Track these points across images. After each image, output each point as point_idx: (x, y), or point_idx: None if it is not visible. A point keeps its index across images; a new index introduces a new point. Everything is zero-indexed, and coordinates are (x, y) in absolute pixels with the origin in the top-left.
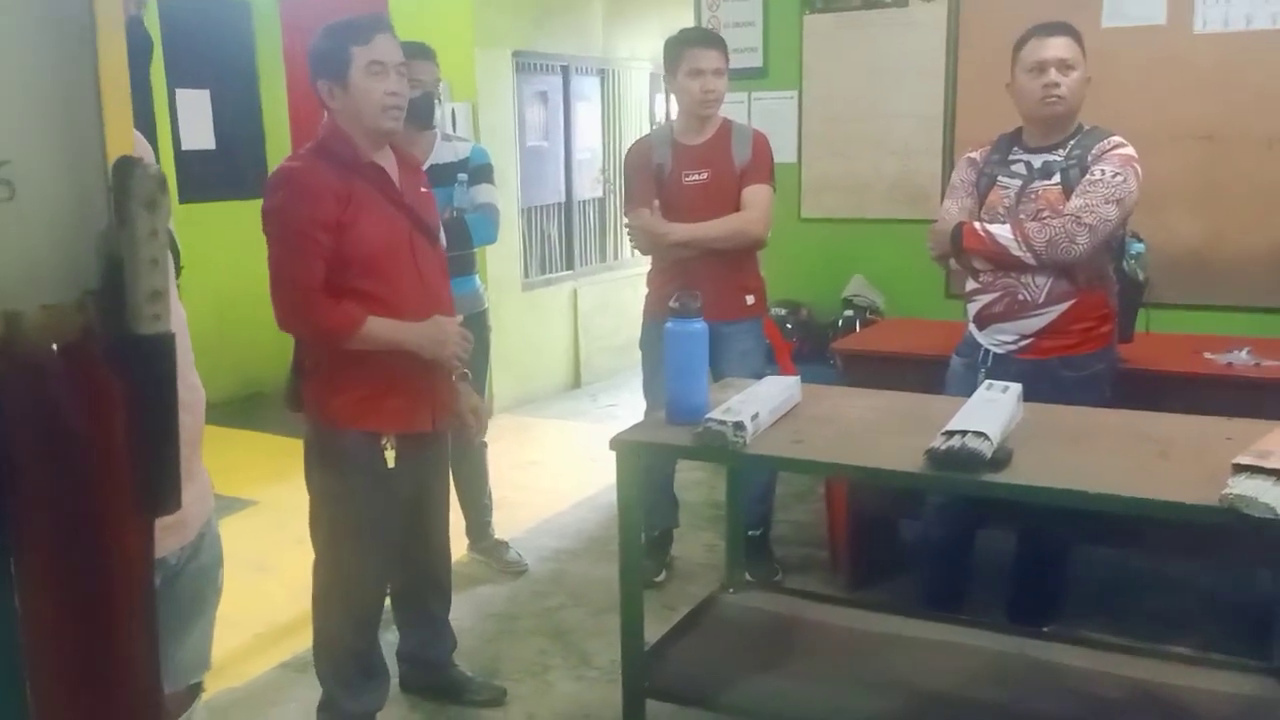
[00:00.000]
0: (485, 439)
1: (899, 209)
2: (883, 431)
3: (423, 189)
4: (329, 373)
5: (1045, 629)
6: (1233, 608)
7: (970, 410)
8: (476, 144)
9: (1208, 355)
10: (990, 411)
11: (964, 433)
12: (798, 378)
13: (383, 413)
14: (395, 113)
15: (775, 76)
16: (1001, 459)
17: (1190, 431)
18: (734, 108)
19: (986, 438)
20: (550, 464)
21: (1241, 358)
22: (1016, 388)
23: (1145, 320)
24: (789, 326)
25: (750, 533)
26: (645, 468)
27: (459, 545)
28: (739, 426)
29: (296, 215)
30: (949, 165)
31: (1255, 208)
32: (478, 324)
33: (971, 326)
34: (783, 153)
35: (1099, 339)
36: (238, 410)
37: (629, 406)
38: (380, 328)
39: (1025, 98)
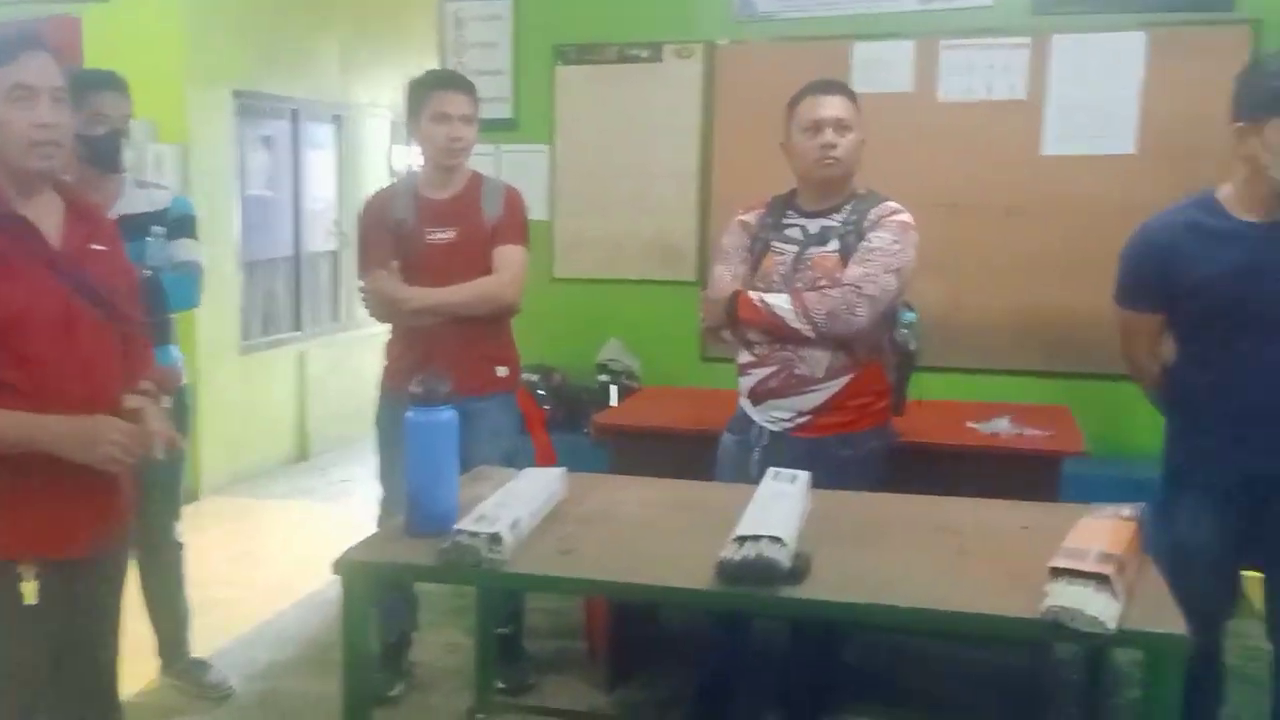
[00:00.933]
0: (181, 539)
1: (655, 269)
2: (662, 533)
3: (96, 245)
4: None
5: None
6: (1004, 684)
7: (760, 508)
8: (178, 193)
9: (971, 425)
10: (781, 509)
11: (757, 538)
12: (562, 470)
13: (13, 533)
14: (47, 150)
15: (526, 129)
16: (800, 569)
17: (983, 520)
18: (481, 160)
19: (782, 543)
20: (269, 554)
21: (1004, 426)
22: (804, 477)
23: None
24: (541, 393)
25: (499, 631)
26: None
27: (149, 667)
28: (495, 540)
29: None
30: (706, 225)
31: (994, 274)
32: (175, 402)
33: (745, 402)
34: (534, 209)
35: (876, 415)
36: None
37: (364, 482)
38: (6, 423)
39: (801, 158)
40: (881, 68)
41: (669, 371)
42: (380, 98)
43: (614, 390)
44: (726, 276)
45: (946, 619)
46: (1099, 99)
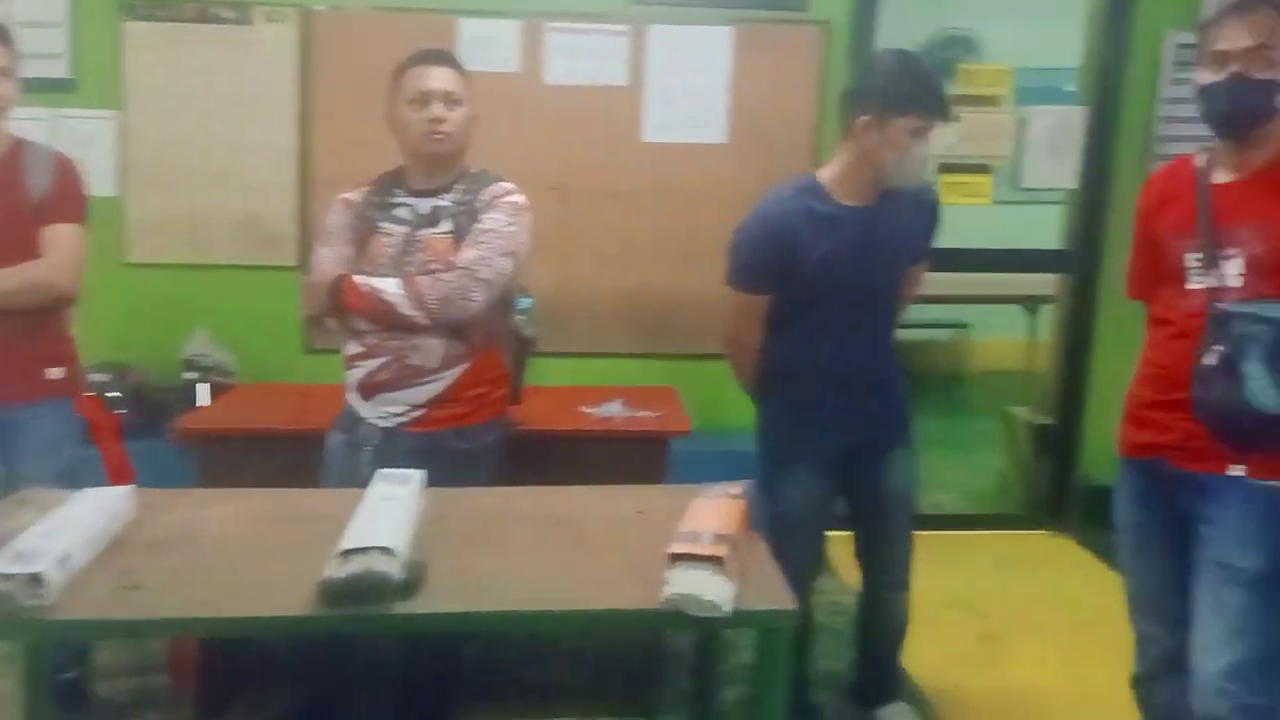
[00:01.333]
0: None
1: (249, 253)
2: (254, 553)
3: None
4: None
5: None
6: (614, 665)
7: (368, 516)
8: None
9: (585, 409)
10: (392, 515)
11: (364, 550)
12: (128, 488)
13: None
14: None
15: (88, 92)
16: (414, 580)
17: (600, 508)
18: (34, 128)
19: (392, 554)
20: None
21: (617, 410)
22: (417, 477)
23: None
24: (115, 395)
25: (62, 677)
26: None
27: None
28: (36, 581)
29: None
30: (307, 205)
31: (602, 258)
32: None
33: (352, 397)
34: (99, 184)
35: (494, 405)
36: None
37: None
38: None
39: (408, 132)
40: (488, 46)
41: (268, 366)
42: None
43: (202, 389)
44: (329, 259)
45: (567, 619)
46: (693, 89)
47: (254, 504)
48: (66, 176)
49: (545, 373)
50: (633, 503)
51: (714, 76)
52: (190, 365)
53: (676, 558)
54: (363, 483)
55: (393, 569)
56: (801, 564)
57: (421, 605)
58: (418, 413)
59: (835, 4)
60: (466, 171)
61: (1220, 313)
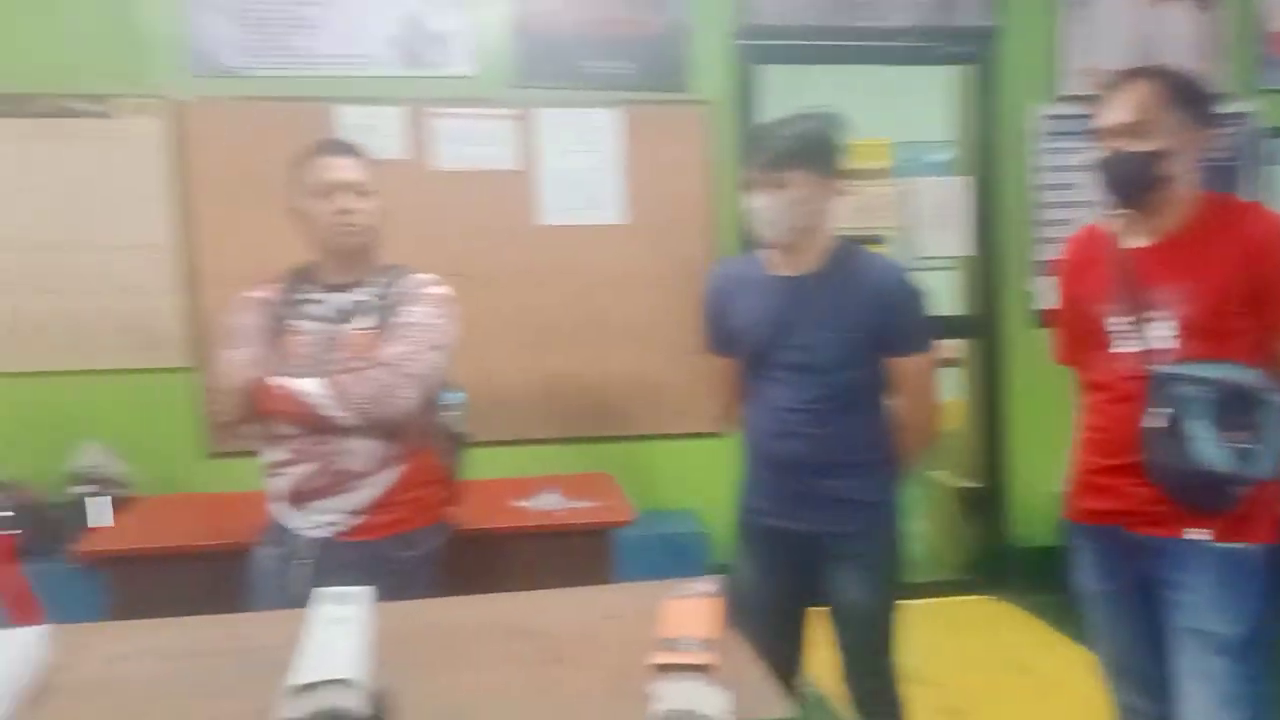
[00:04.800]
0: None
1: (136, 357)
2: (193, 695)
3: None
4: None
5: None
6: None
7: (316, 645)
8: None
9: (519, 503)
10: (343, 641)
11: (319, 685)
12: (43, 629)
13: None
14: None
15: None
16: (379, 715)
17: (563, 615)
18: None
19: (352, 686)
20: None
21: (555, 501)
22: (363, 595)
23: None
24: (7, 514)
25: None
26: None
27: None
28: None
29: None
30: (196, 301)
31: (511, 343)
32: None
33: (279, 507)
34: None
35: (434, 507)
36: None
37: None
38: None
39: (315, 225)
40: (370, 133)
41: (167, 474)
42: None
43: (96, 504)
44: (240, 361)
45: None
46: (587, 171)
47: (183, 635)
48: None
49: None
50: (597, 606)
51: (606, 157)
52: (80, 478)
53: (662, 669)
54: (297, 601)
55: (356, 703)
56: (762, 654)
57: None
58: (356, 520)
59: (716, 85)
60: (381, 263)
61: (1160, 375)
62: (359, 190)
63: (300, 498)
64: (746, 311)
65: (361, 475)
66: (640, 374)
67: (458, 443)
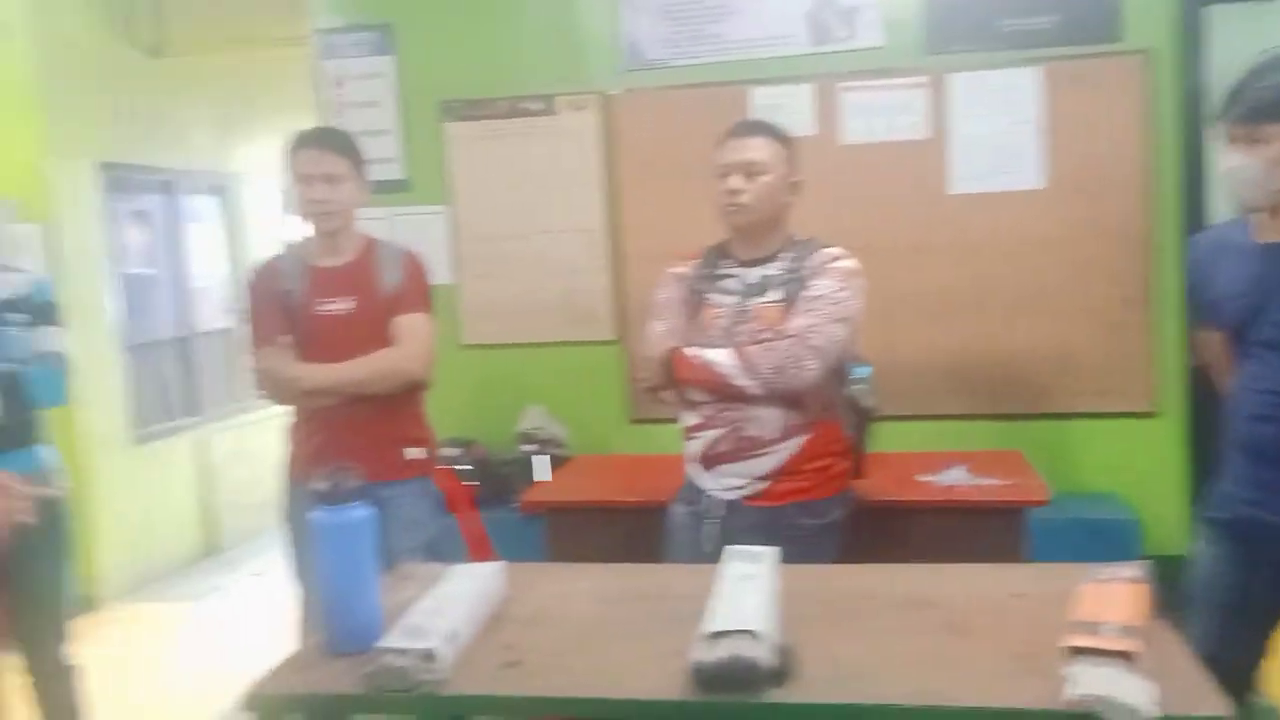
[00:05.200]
0: (72, 662)
1: (570, 330)
2: (619, 633)
3: None
4: None
5: None
6: None
7: (727, 597)
8: (39, 276)
9: (924, 478)
10: (752, 597)
11: (731, 634)
12: (499, 565)
13: None
14: None
15: (419, 190)
16: (783, 667)
17: (967, 589)
18: (375, 226)
19: (759, 638)
20: (179, 667)
21: (961, 477)
22: (770, 555)
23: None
24: (465, 467)
25: None
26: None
27: None
28: (429, 657)
29: None
30: (621, 281)
31: (920, 316)
32: (46, 513)
33: (693, 469)
34: (437, 274)
35: (837, 478)
36: None
37: (279, 574)
38: None
39: (717, 205)
40: (781, 112)
41: (596, 437)
42: (266, 163)
43: (538, 461)
44: (662, 333)
45: (956, 717)
46: (1002, 135)
47: (612, 580)
48: (414, 270)
49: (876, 438)
50: (1004, 583)
51: (1024, 120)
52: (527, 438)
53: (1077, 651)
54: (706, 556)
55: (762, 654)
56: (1203, 651)
57: (795, 695)
58: (761, 485)
59: (1155, 32)
60: (792, 239)
61: None
62: (748, 171)
63: (710, 461)
64: (1226, 282)
65: (767, 443)
66: (1056, 348)
67: (864, 416)
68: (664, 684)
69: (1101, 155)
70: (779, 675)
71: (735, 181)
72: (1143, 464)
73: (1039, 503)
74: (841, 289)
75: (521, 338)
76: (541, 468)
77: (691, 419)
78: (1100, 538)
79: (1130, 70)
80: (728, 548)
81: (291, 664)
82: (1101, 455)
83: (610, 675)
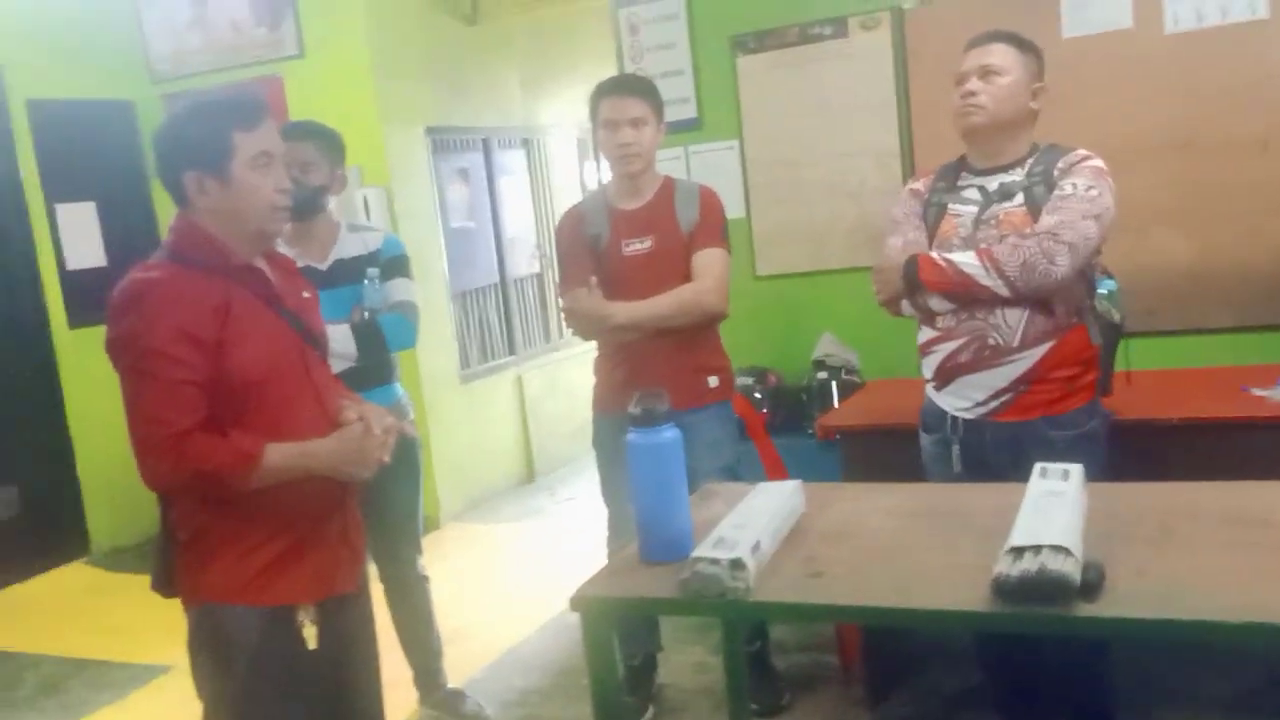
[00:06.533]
0: (425, 572)
1: (862, 256)
2: (918, 547)
3: (305, 294)
4: (218, 538)
5: None
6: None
7: (1034, 513)
8: (389, 233)
9: (1255, 391)
10: (1060, 514)
11: (1037, 548)
12: (798, 483)
13: (298, 578)
14: (284, 214)
15: (711, 127)
16: (1093, 581)
17: None
18: (670, 164)
19: (1069, 553)
20: (508, 579)
21: None
22: (1077, 472)
23: (1125, 359)
24: (758, 395)
25: (746, 649)
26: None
27: (408, 699)
28: (738, 566)
29: (160, 337)
30: None
31: (1248, 215)
32: (403, 442)
33: (930, 388)
34: (730, 208)
35: (1085, 389)
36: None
37: (591, 498)
38: (283, 455)
39: (953, 114)
40: (1094, 7)
41: (889, 363)
42: (565, 116)
43: (834, 388)
44: (900, 245)
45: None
46: None
47: (904, 499)
48: (711, 206)
49: (1163, 354)
50: None
51: None
52: (820, 365)
53: None
54: (954, 477)
55: (1070, 569)
56: None
57: (1107, 609)
58: (1002, 399)
59: None
60: (1036, 146)
61: None
62: (989, 72)
63: (948, 373)
64: None
65: (1009, 351)
66: None
67: (1111, 332)
68: (965, 595)
69: None
70: (1088, 590)
71: (972, 84)
72: None
73: None
74: (1092, 187)
75: (813, 265)
76: (834, 393)
77: (928, 334)
78: None
79: None
80: (1038, 465)
81: (610, 572)
82: None
83: (912, 586)
